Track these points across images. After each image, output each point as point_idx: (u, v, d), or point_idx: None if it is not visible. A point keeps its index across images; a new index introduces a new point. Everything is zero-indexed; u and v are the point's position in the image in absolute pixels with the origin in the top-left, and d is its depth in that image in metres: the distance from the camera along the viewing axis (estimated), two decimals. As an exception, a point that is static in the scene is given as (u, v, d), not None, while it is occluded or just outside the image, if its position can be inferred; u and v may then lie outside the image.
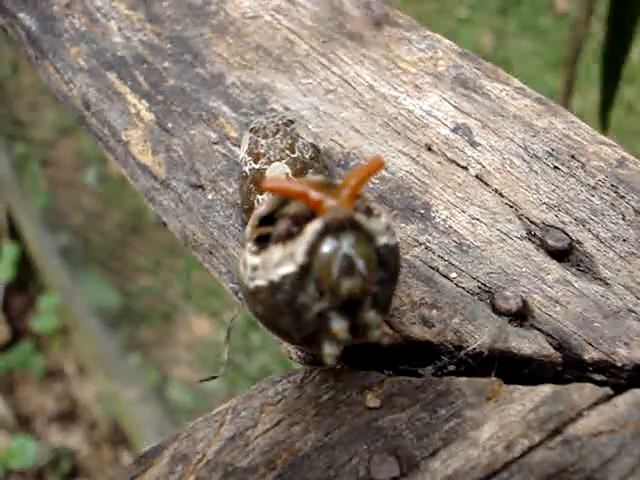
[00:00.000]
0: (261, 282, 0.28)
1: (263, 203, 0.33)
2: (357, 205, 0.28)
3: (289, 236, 0.28)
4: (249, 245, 0.29)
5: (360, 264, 0.26)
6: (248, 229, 0.30)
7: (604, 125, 0.80)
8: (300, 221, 0.28)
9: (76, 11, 0.51)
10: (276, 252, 0.28)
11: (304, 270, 0.27)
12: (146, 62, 0.47)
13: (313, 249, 0.27)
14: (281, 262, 0.27)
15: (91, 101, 0.46)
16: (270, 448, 0.30)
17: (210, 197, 0.40)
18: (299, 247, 0.27)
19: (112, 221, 1.78)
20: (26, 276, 1.68)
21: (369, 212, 0.29)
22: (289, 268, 0.27)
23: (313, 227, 0.27)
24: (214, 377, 0.41)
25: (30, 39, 0.50)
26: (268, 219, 0.30)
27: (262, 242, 0.29)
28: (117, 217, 1.78)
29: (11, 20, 0.52)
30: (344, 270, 0.26)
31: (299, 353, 0.36)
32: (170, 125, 0.43)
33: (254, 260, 0.28)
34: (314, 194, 0.27)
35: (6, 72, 2.01)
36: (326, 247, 0.26)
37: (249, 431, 0.30)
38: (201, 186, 0.40)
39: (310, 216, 0.27)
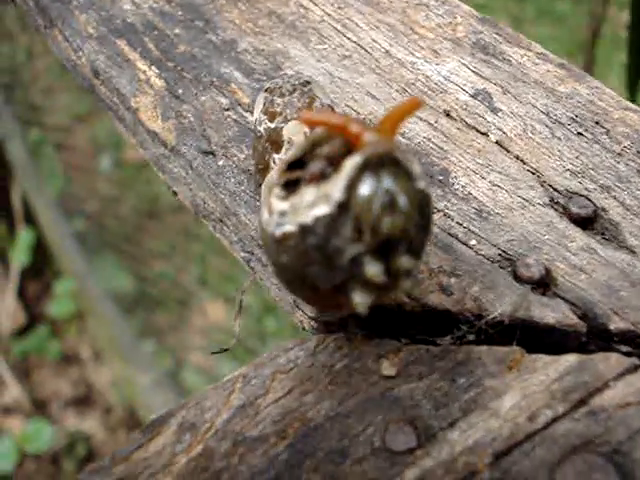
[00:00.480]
0: (290, 227, 0.27)
1: (291, 148, 0.31)
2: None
3: (323, 177, 0.27)
4: (276, 190, 0.28)
5: (402, 200, 0.26)
6: (275, 175, 0.28)
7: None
8: (334, 162, 0.27)
9: (85, -22, 0.50)
10: (309, 193, 0.26)
11: (341, 209, 0.26)
12: (156, 29, 0.46)
13: (352, 185, 0.25)
14: (315, 203, 0.26)
15: (100, 68, 0.44)
16: (281, 417, 0.29)
17: (221, 163, 0.39)
18: (337, 184, 0.26)
19: (127, 206, 1.78)
20: (42, 261, 1.69)
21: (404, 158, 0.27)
22: (324, 209, 0.26)
23: (353, 161, 0.25)
24: (226, 349, 0.40)
25: (39, 7, 0.49)
26: (296, 165, 0.28)
27: (290, 187, 0.28)
28: (132, 202, 1.77)
29: (20, -12, 0.51)
30: (386, 206, 0.25)
31: (312, 323, 0.34)
32: (180, 91, 0.42)
33: (282, 205, 0.27)
34: (354, 126, 0.25)
35: (21, 58, 2.01)
36: (367, 182, 0.25)
37: (259, 400, 0.29)
38: (212, 152, 0.39)
39: (345, 156, 0.26)
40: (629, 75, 0.77)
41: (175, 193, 0.42)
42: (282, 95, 0.35)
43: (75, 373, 1.61)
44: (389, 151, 0.25)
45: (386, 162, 0.25)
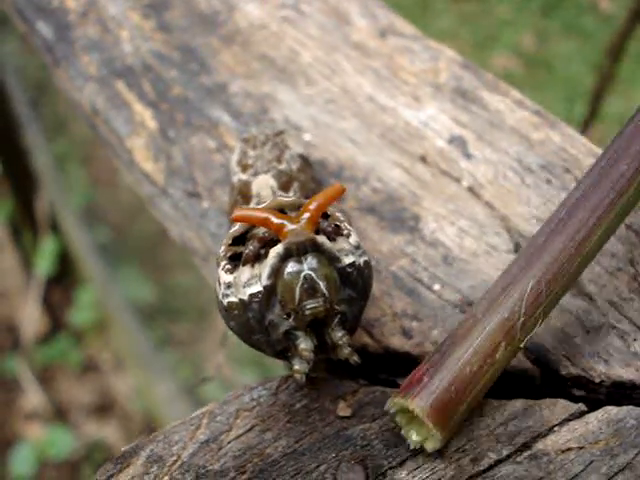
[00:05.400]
0: (233, 299, 0.29)
1: (258, 199, 0.34)
2: (324, 226, 0.29)
3: (257, 258, 0.29)
4: (223, 263, 0.30)
5: (322, 285, 0.27)
6: (222, 248, 0.31)
7: None
8: (268, 243, 0.29)
9: (91, 20, 0.52)
10: (245, 272, 0.29)
11: (269, 291, 0.28)
12: (154, 71, 0.49)
13: (276, 272, 0.28)
14: (249, 282, 0.29)
15: (99, 109, 0.47)
16: (242, 453, 0.31)
17: (205, 205, 0.41)
18: (264, 270, 0.28)
19: (150, 218, 1.81)
20: (66, 270, 1.72)
21: (338, 231, 0.30)
22: (256, 288, 0.28)
23: (275, 251, 0.28)
24: (207, 380, 0.42)
25: (46, 47, 0.52)
26: (241, 238, 0.31)
27: (236, 260, 0.30)
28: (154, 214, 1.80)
29: (30, 28, 0.54)
30: (306, 292, 0.27)
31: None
32: (172, 133, 0.45)
33: (228, 278, 0.30)
34: (275, 220, 0.28)
35: (48, 72, 2.05)
36: (288, 270, 0.27)
37: (223, 435, 0.31)
38: (197, 194, 0.41)
39: (277, 239, 0.28)
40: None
41: (166, 229, 0.44)
42: (254, 147, 0.37)
43: (96, 381, 1.64)
44: (309, 239, 0.27)
45: (308, 248, 0.27)
